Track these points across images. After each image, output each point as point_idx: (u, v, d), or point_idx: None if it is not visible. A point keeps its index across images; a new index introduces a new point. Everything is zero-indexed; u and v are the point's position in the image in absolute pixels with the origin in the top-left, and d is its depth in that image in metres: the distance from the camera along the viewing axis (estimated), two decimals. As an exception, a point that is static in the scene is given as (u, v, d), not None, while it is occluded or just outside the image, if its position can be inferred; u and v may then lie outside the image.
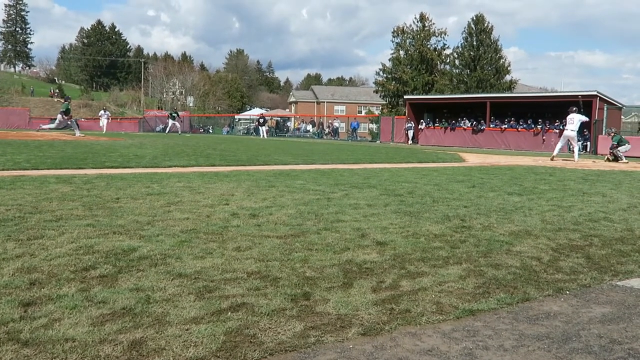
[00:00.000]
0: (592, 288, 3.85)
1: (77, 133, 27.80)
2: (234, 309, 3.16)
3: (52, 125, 32.27)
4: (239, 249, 4.52)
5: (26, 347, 2.59)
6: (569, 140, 20.59)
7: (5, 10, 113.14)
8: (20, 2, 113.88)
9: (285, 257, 4.31)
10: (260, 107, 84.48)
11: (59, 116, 29.58)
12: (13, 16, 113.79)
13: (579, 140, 31.13)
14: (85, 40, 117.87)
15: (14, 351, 2.54)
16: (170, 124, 46.61)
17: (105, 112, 45.11)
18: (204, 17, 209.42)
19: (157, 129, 52.97)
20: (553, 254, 4.74)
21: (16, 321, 2.88)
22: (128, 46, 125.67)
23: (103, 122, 42.22)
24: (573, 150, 20.94)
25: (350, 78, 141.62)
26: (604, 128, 29.14)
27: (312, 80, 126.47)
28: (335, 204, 7.01)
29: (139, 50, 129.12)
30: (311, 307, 3.25)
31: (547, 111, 32.87)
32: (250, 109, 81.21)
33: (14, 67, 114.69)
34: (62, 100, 29.79)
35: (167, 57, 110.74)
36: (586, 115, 30.15)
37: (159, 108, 77.73)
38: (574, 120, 20.28)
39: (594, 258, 4.66)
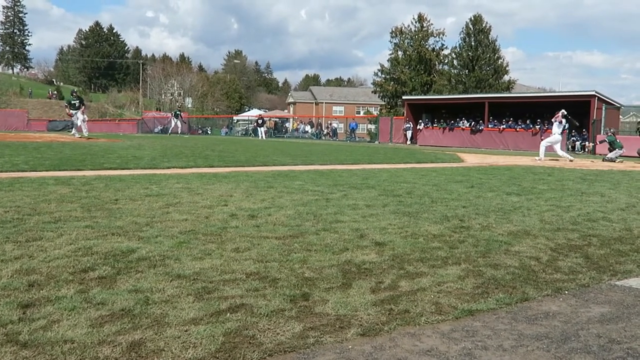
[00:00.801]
0: (590, 288, 3.85)
1: (77, 134, 27.66)
2: (233, 310, 3.16)
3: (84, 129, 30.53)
4: (238, 249, 4.52)
5: (25, 348, 2.58)
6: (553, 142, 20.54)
7: (3, 11, 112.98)
8: (18, 3, 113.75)
9: (284, 257, 4.31)
10: (259, 108, 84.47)
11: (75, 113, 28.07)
12: (11, 18, 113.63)
13: (577, 140, 31.29)
14: (84, 42, 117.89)
15: (13, 353, 2.54)
16: (173, 124, 46.48)
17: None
18: (202, 18, 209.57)
19: (156, 130, 52.97)
20: (552, 253, 4.75)
21: (15, 323, 2.87)
22: (126, 47, 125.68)
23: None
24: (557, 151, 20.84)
25: (349, 79, 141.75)
26: (602, 128, 29.17)
27: (311, 81, 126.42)
28: (334, 204, 7.01)
29: (137, 51, 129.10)
30: (310, 307, 3.25)
31: (545, 111, 32.85)
32: (248, 110, 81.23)
33: (12, 69, 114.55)
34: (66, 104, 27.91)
35: (166, 58, 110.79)
36: (584, 116, 30.31)
37: (157, 109, 77.70)
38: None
39: (593, 258, 4.66)
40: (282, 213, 6.26)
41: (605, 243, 5.24)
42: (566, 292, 3.73)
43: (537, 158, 20.16)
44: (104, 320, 2.95)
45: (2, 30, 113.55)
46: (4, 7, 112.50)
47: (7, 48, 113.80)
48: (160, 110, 73.79)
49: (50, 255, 4.17)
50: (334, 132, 51.34)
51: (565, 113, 20.15)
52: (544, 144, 20.66)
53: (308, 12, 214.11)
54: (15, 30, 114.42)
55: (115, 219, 5.63)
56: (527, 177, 12.01)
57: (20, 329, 2.79)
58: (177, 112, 48.60)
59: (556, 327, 3.09)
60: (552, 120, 20.73)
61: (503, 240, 5.16)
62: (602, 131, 28.81)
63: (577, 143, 31.46)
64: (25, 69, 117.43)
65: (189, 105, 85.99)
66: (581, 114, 30.56)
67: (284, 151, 21.11)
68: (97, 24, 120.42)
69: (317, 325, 2.98)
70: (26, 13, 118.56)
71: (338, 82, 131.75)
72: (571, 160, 19.91)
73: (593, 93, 30.86)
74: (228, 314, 3.09)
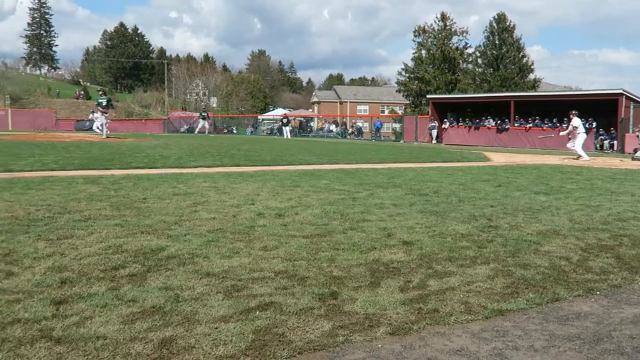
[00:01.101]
0: (623, 288, 3.79)
1: (104, 134, 27.79)
2: (262, 308, 3.18)
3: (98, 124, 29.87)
4: (266, 248, 4.54)
5: (59, 344, 2.63)
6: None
7: (30, 13, 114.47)
8: (44, 5, 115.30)
9: (312, 256, 4.31)
10: (283, 108, 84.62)
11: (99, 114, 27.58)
12: (37, 19, 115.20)
13: (605, 139, 30.84)
14: (109, 43, 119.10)
15: (47, 348, 2.58)
16: (200, 125, 46.65)
17: (94, 114, 42.57)
18: (225, 18, 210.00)
19: (182, 129, 53.38)
20: (582, 253, 4.69)
21: (48, 319, 2.92)
22: (151, 48, 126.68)
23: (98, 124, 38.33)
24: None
25: (373, 78, 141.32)
26: (630, 126, 28.70)
27: (334, 81, 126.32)
28: (361, 203, 7.00)
29: (162, 51, 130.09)
30: (339, 306, 3.25)
31: (572, 110, 32.47)
32: (273, 110, 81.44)
33: (40, 70, 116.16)
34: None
35: (190, 58, 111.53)
36: (612, 114, 29.88)
37: (183, 109, 78.26)
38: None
39: (624, 258, 4.59)
40: (309, 212, 6.27)
41: (636, 243, 5.15)
42: (598, 292, 3.68)
43: (583, 159, 19.75)
44: (135, 317, 2.99)
45: (29, 32, 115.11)
46: (30, 9, 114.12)
47: (35, 49, 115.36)
48: (185, 110, 74.33)
49: (81, 253, 4.24)
50: (359, 131, 51.22)
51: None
52: (578, 147, 20.25)
53: (331, 11, 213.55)
54: (41, 32, 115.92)
55: (144, 218, 5.68)
56: (555, 176, 11.86)
57: (53, 325, 2.84)
58: (204, 114, 48.70)
59: (588, 327, 3.05)
60: (571, 124, 20.51)
61: (532, 240, 5.11)
62: (630, 130, 28.34)
63: (605, 142, 30.99)
64: (52, 70, 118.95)
65: (214, 105, 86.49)
66: (609, 112, 30.13)
67: (309, 150, 21.13)
68: (122, 24, 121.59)
69: (346, 323, 2.99)
70: (52, 14, 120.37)
71: (362, 82, 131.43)
72: (579, 159, 19.60)
73: (620, 91, 30.35)
74: (257, 312, 3.11)
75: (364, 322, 3.02)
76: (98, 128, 30.42)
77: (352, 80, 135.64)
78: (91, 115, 43.20)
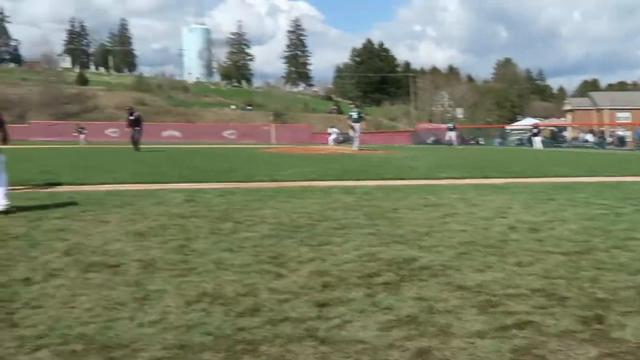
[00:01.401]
0: None
1: (355, 146, 28.93)
2: (519, 326, 3.05)
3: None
4: (520, 264, 4.36)
5: (323, 344, 2.80)
6: None
7: (288, 36, 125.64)
8: (300, 27, 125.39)
9: (572, 275, 4.04)
10: (533, 117, 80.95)
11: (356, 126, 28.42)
12: (294, 41, 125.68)
13: None
14: (357, 59, 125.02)
15: (313, 347, 2.77)
16: (447, 136, 46.47)
17: (333, 128, 45.46)
18: (469, 28, 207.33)
19: (428, 141, 53.85)
20: None
21: (313, 320, 3.14)
22: (396, 61, 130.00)
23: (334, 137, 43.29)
24: None
25: (635, 82, 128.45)
26: None
27: (589, 87, 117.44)
28: (626, 220, 6.38)
29: (407, 64, 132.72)
30: (605, 331, 2.99)
31: None
32: (521, 119, 78.37)
33: (297, 87, 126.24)
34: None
35: (434, 70, 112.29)
36: None
37: (429, 121, 79.02)
38: None
39: None
40: (566, 227, 5.88)
41: None
42: None
43: None
44: (391, 324, 3.07)
45: (287, 53, 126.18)
46: (288, 32, 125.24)
47: (292, 68, 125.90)
48: (431, 122, 74.93)
49: (339, 259, 4.48)
50: (620, 141, 46.88)
51: None
52: None
53: (582, 12, 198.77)
54: (297, 52, 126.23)
55: (396, 228, 5.83)
56: None
57: (318, 326, 3.04)
58: (451, 125, 48.33)
59: None
60: None
61: None
62: None
63: None
64: (308, 87, 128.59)
65: (460, 116, 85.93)
66: None
67: (562, 162, 19.90)
68: (369, 41, 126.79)
69: (615, 351, 2.74)
70: (307, 36, 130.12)
71: (621, 86, 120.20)
72: None
73: None
74: (514, 330, 2.99)
75: (636, 352, 2.74)
76: (334, 141, 32.11)
77: (609, 85, 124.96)
78: (330, 129, 46.12)
